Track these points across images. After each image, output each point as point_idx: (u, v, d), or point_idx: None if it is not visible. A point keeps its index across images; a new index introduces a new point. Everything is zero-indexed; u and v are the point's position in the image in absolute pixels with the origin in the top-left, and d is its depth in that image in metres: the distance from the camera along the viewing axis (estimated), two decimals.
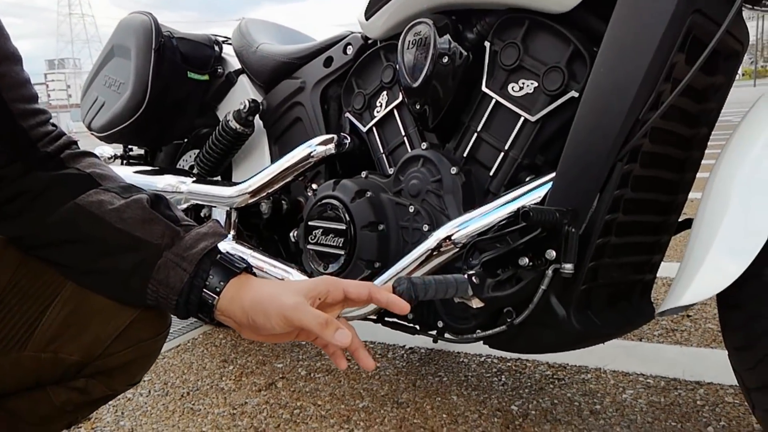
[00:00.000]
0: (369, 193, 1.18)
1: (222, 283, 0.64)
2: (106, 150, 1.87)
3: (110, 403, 1.40)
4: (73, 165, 0.68)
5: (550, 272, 0.92)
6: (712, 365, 1.41)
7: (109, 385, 0.70)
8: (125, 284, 0.65)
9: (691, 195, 1.13)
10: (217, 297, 0.64)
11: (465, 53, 1.07)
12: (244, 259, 0.68)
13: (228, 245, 1.44)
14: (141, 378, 0.74)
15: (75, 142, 0.71)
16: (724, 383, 1.32)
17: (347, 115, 1.36)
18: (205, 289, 0.64)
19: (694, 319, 1.73)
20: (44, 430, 0.72)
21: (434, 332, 1.16)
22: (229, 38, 1.72)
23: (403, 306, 0.63)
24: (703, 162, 1.09)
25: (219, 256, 0.66)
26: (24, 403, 0.69)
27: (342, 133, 1.37)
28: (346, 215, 1.18)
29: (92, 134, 1.72)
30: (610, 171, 0.90)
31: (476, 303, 0.95)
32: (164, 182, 1.59)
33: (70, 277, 0.67)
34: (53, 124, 0.70)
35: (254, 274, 0.67)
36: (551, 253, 0.91)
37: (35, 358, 0.65)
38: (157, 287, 0.64)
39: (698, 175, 1.10)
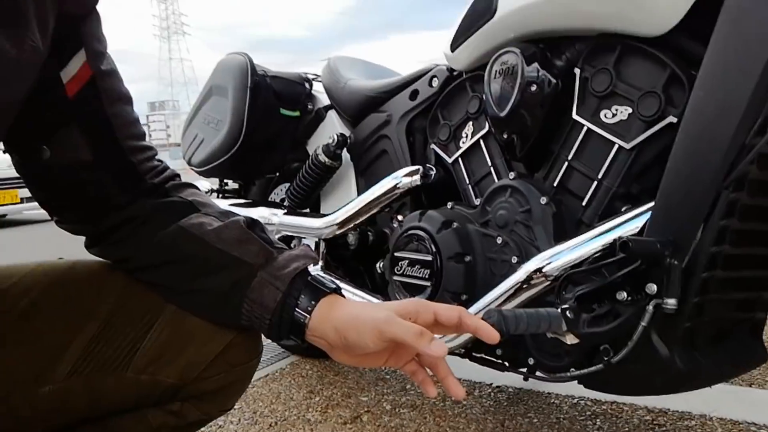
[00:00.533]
0: (455, 224, 1.17)
1: (313, 303, 0.65)
2: (203, 185, 1.97)
3: (202, 430, 1.44)
4: (176, 194, 0.72)
5: (651, 307, 0.86)
6: None
7: (202, 410, 0.72)
8: (222, 303, 0.67)
9: None
10: (308, 316, 0.64)
11: (554, 81, 1.05)
12: (333, 281, 0.69)
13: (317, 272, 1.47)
14: (234, 404, 0.76)
15: (178, 175, 0.76)
16: None
17: (432, 146, 1.36)
18: (297, 308, 0.65)
19: None
20: None
21: (525, 369, 1.11)
22: (319, 75, 1.79)
23: (492, 334, 0.61)
24: None
25: (310, 277, 0.68)
26: (125, 423, 0.71)
27: (428, 165, 1.37)
28: (432, 246, 1.17)
29: (192, 169, 1.83)
30: (714, 199, 0.84)
31: (570, 339, 0.91)
32: (257, 214, 1.65)
33: (171, 299, 0.69)
34: (159, 160, 0.75)
35: (343, 296, 0.68)
36: (652, 287, 0.86)
37: (135, 380, 0.68)
38: (251, 306, 0.65)
39: None
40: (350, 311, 0.63)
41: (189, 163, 1.83)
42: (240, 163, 1.72)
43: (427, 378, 0.64)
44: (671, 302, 0.84)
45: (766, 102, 0.81)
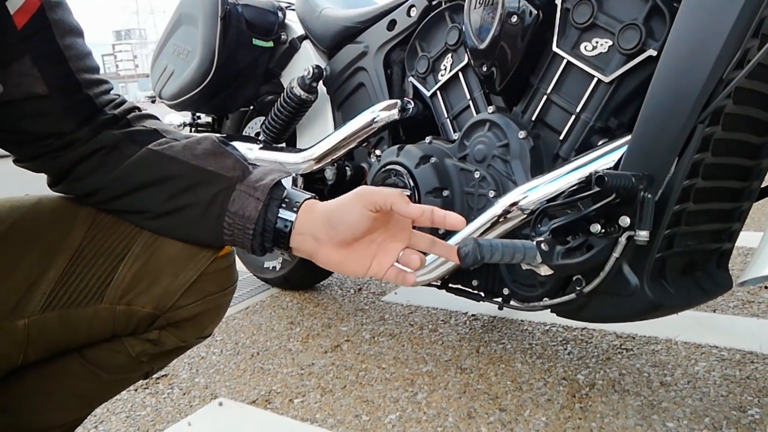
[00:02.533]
0: (433, 159, 1.17)
1: (295, 208, 0.66)
2: (175, 118, 1.93)
3: (185, 360, 1.47)
4: (139, 124, 0.71)
5: (623, 240, 0.89)
6: None
7: (180, 337, 0.73)
8: (202, 220, 0.67)
9: None
10: (292, 221, 0.66)
11: (535, 12, 1.03)
12: (308, 192, 0.70)
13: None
14: (211, 331, 0.77)
15: (138, 107, 0.74)
16: None
17: (411, 79, 1.34)
18: (279, 215, 0.66)
19: None
20: (123, 379, 0.76)
21: (500, 299, 1.15)
22: (293, 4, 1.73)
23: (457, 221, 0.64)
24: None
25: (285, 188, 0.69)
26: (103, 353, 0.72)
27: (405, 98, 1.35)
28: (411, 181, 1.18)
29: (162, 102, 1.78)
30: (690, 134, 0.85)
31: (545, 270, 0.94)
32: None
33: (147, 224, 0.69)
34: (116, 94, 0.73)
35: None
36: (625, 220, 0.88)
37: (111, 310, 0.69)
38: (233, 219, 0.66)
39: None
40: (332, 201, 0.66)
41: (159, 96, 1.77)
42: (212, 95, 1.68)
43: (405, 273, 0.67)
44: (643, 234, 0.86)
45: (744, 36, 0.81)
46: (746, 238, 1.39)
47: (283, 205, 0.67)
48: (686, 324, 1.45)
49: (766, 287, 1.68)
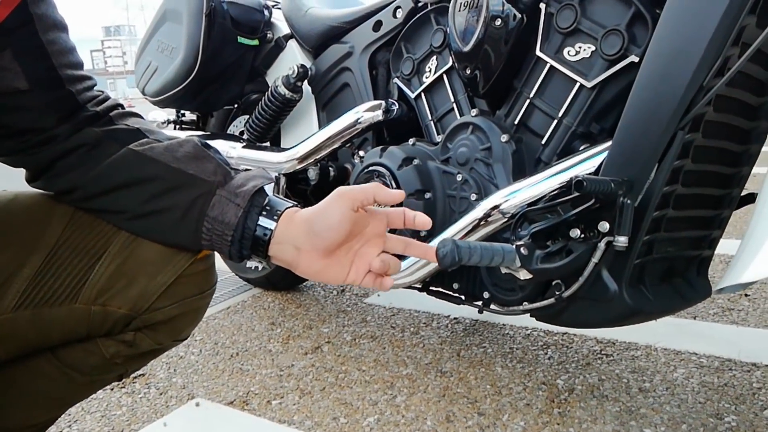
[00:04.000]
0: (416, 161, 1.17)
1: (275, 217, 0.65)
2: (159, 115, 1.91)
3: (163, 360, 1.46)
4: (121, 122, 0.70)
5: (602, 245, 0.89)
6: None
7: (156, 339, 0.72)
8: (180, 224, 0.66)
9: (755, 170, 1.07)
10: (271, 230, 0.65)
11: (519, 16, 1.03)
12: (290, 201, 0.69)
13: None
14: (188, 334, 0.76)
15: (121, 105, 0.73)
16: None
17: (395, 80, 1.34)
18: (259, 223, 0.65)
19: (753, 298, 1.66)
20: (96, 380, 0.75)
21: (480, 303, 1.14)
22: (279, 3, 1.72)
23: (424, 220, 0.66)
24: None
25: (267, 195, 0.68)
26: (77, 354, 0.71)
27: (390, 100, 1.35)
28: (393, 182, 1.17)
29: (146, 99, 1.76)
30: (670, 140, 0.85)
31: (524, 274, 0.93)
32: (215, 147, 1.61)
33: (124, 225, 0.68)
34: (100, 90, 0.72)
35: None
36: (604, 226, 0.88)
37: (86, 310, 0.67)
38: (212, 224, 0.65)
39: (765, 148, 1.04)
40: (309, 208, 0.66)
41: (143, 92, 1.75)
42: (196, 93, 1.66)
43: (383, 278, 0.67)
44: (622, 240, 0.86)
45: (725, 44, 0.81)
46: (728, 246, 1.40)
47: (264, 213, 0.66)
48: (666, 330, 1.46)
49: (746, 295, 1.69)
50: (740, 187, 1.06)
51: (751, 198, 1.05)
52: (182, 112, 1.93)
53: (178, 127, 1.93)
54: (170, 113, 1.93)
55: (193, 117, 1.96)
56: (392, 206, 0.68)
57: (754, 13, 0.83)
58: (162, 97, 1.69)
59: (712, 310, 1.59)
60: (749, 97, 0.96)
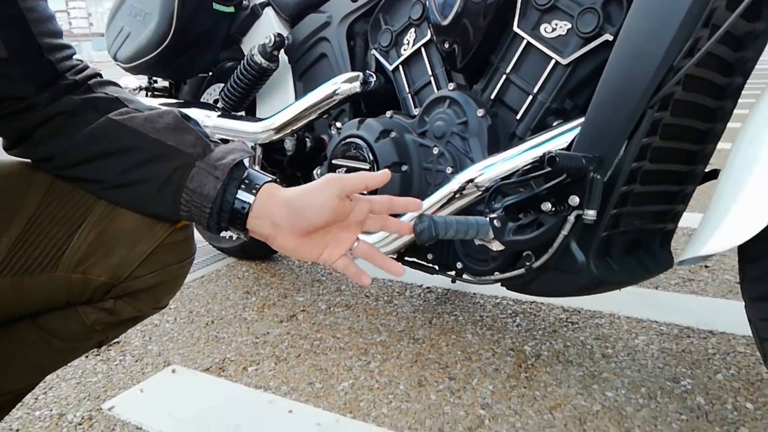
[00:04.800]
0: (393, 134, 1.18)
1: (254, 191, 0.66)
2: (130, 82, 1.87)
3: (137, 328, 1.47)
4: (101, 90, 0.70)
5: (572, 218, 0.92)
6: (726, 315, 1.42)
7: (136, 307, 0.73)
8: (159, 195, 0.66)
9: (720, 145, 1.11)
10: (250, 203, 0.66)
11: None
12: (269, 174, 0.70)
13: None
14: (167, 302, 0.77)
15: (100, 73, 0.73)
16: (736, 333, 1.34)
17: (373, 52, 1.34)
18: (238, 196, 0.66)
19: (712, 269, 1.74)
20: (76, 347, 0.76)
21: (453, 273, 1.18)
22: None
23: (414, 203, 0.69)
24: (735, 112, 1.06)
25: (247, 168, 0.69)
26: (57, 321, 0.72)
27: (368, 71, 1.35)
28: (370, 155, 1.18)
29: (118, 65, 1.72)
30: (640, 118, 0.88)
31: (496, 246, 0.97)
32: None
33: (103, 194, 0.68)
34: (79, 59, 0.72)
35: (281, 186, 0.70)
36: (574, 199, 0.91)
37: (66, 278, 0.68)
38: (191, 196, 0.66)
39: (730, 125, 1.08)
40: (295, 188, 0.67)
41: (115, 58, 1.72)
42: (170, 60, 1.63)
43: (358, 270, 0.70)
44: (591, 213, 0.89)
45: (695, 26, 0.84)
46: (690, 219, 1.46)
47: (242, 186, 0.67)
48: (629, 300, 1.52)
49: (706, 266, 1.76)
50: (704, 164, 1.11)
51: (714, 174, 1.09)
52: (154, 79, 1.90)
53: (150, 94, 1.90)
54: (142, 80, 1.90)
55: (166, 84, 1.93)
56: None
57: None
58: (134, 63, 1.65)
59: (673, 281, 1.66)
60: (717, 77, 0.99)
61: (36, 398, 1.16)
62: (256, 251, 1.92)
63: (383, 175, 0.68)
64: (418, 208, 0.70)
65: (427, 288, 1.67)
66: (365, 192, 0.68)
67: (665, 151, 0.99)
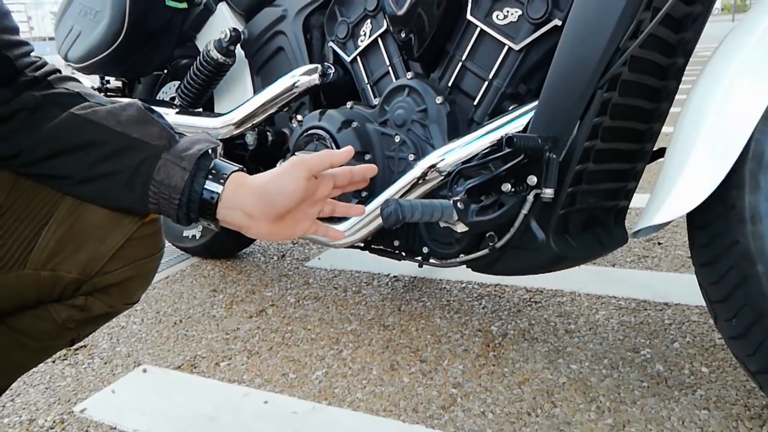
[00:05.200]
0: (355, 123, 1.20)
1: (222, 181, 0.67)
2: (84, 82, 1.83)
3: (104, 331, 1.45)
4: (61, 86, 0.69)
5: (531, 197, 0.96)
6: (680, 288, 1.49)
7: (108, 303, 0.73)
8: (126, 188, 0.66)
9: (665, 129, 1.17)
10: (218, 194, 0.67)
11: None
12: (235, 164, 0.71)
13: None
14: (139, 297, 0.77)
15: (59, 70, 0.72)
16: (690, 304, 1.41)
17: (331, 44, 1.35)
18: (206, 187, 0.67)
19: (665, 246, 1.81)
20: (48, 346, 0.76)
21: (419, 258, 1.20)
22: None
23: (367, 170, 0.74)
24: (677, 97, 1.12)
25: (213, 158, 0.69)
26: (27, 320, 0.71)
27: (326, 63, 1.36)
28: (333, 145, 1.20)
29: (69, 65, 1.69)
30: (590, 99, 0.92)
31: (461, 227, 1.00)
32: None
33: (69, 190, 0.68)
34: (37, 56, 0.71)
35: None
36: (533, 179, 0.95)
37: (35, 276, 0.68)
38: (158, 188, 0.66)
39: (673, 109, 1.13)
40: (262, 174, 0.68)
41: (65, 58, 1.68)
42: (123, 59, 1.61)
43: (328, 227, 0.74)
44: (548, 192, 0.93)
45: (638, 9, 0.88)
46: (641, 200, 1.52)
47: (210, 176, 0.67)
48: (588, 278, 1.58)
49: (659, 243, 1.84)
50: (652, 142, 1.16)
51: (662, 152, 1.15)
52: (107, 78, 1.87)
53: (103, 94, 1.86)
54: (94, 80, 1.86)
55: (119, 84, 1.90)
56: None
57: None
58: (86, 63, 1.62)
59: (629, 258, 1.73)
60: (660, 58, 1.04)
61: (3, 406, 1.14)
62: (221, 250, 1.91)
63: (347, 151, 0.70)
64: (374, 172, 0.74)
65: (395, 277, 1.70)
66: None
67: (615, 130, 1.03)
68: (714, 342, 1.23)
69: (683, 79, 1.10)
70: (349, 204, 0.76)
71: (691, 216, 0.89)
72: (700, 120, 0.84)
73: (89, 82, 1.81)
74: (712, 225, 0.85)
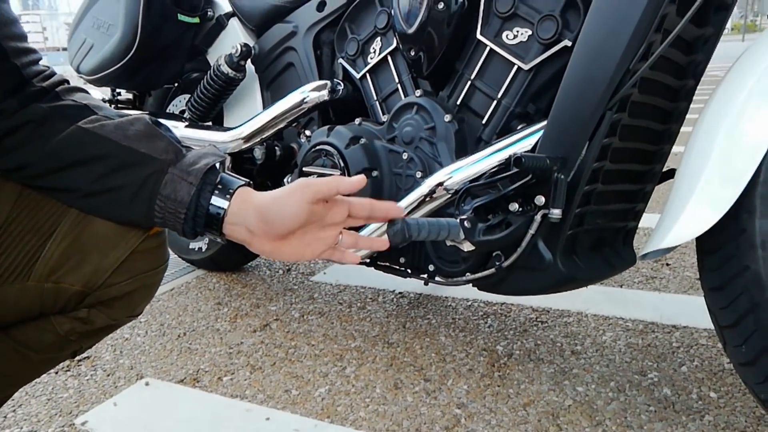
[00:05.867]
0: (363, 140, 1.20)
1: (228, 195, 0.66)
2: (93, 94, 1.85)
3: (108, 342, 1.44)
4: (69, 97, 0.69)
5: (538, 217, 0.95)
6: (689, 310, 1.48)
7: (110, 315, 0.72)
8: (132, 202, 0.66)
9: (675, 149, 1.16)
10: (224, 209, 0.66)
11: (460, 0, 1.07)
12: (242, 178, 0.70)
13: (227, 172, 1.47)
14: (142, 310, 0.77)
15: (67, 80, 0.72)
16: (698, 327, 1.39)
17: (340, 61, 1.36)
18: (212, 202, 0.66)
19: (673, 267, 1.80)
20: (50, 358, 0.75)
21: (425, 275, 1.20)
22: None
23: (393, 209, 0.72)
24: (688, 116, 1.11)
25: (220, 173, 0.69)
26: (30, 332, 0.71)
27: (335, 80, 1.37)
28: (341, 161, 1.20)
29: (81, 77, 1.71)
30: (599, 120, 0.92)
31: (467, 246, 0.99)
32: None
33: (76, 203, 0.68)
34: (46, 65, 0.71)
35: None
36: (540, 199, 0.94)
37: (38, 288, 0.67)
38: (164, 202, 0.66)
39: (683, 129, 1.13)
40: (268, 193, 0.67)
41: (77, 70, 1.70)
42: (134, 72, 1.63)
43: (343, 252, 0.71)
44: (556, 212, 0.93)
45: (649, 30, 0.88)
46: (650, 220, 1.51)
47: (216, 191, 0.67)
48: (596, 298, 1.56)
49: (667, 264, 1.82)
50: (662, 163, 1.15)
51: (671, 173, 1.14)
52: (118, 91, 1.88)
53: (113, 106, 1.88)
54: (105, 92, 1.88)
55: (129, 96, 1.92)
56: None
57: (674, 2, 0.91)
58: (98, 75, 1.64)
59: (637, 279, 1.71)
60: (671, 79, 1.04)
61: (5, 417, 1.14)
62: (226, 262, 1.91)
63: (357, 180, 0.67)
64: (400, 213, 0.71)
65: (400, 293, 1.69)
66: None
67: (624, 151, 1.03)
68: (723, 366, 1.21)
69: (693, 98, 1.10)
70: (372, 238, 0.75)
71: (700, 240, 0.88)
72: (711, 143, 0.84)
73: (100, 93, 1.84)
74: (722, 249, 0.84)
